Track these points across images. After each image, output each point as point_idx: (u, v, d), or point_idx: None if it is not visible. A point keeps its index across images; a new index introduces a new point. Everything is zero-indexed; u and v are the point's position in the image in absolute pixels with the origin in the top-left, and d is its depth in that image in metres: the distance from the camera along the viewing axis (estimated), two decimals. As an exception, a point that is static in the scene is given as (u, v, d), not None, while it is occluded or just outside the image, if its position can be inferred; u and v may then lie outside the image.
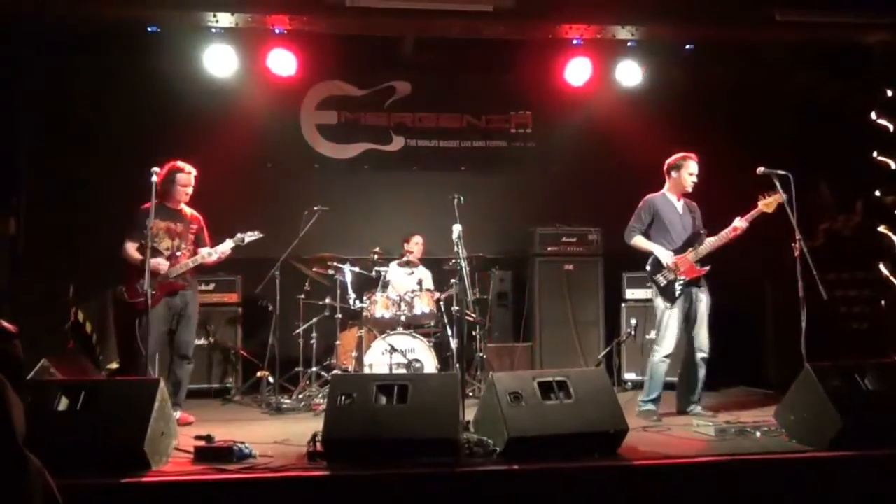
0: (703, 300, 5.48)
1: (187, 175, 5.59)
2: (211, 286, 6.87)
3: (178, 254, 5.52)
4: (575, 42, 7.12)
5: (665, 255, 5.45)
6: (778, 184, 5.10)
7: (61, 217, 6.85)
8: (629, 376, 7.16)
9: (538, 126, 8.21)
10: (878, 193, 7.11)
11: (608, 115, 7.73)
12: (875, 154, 7.10)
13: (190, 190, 5.63)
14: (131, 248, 5.43)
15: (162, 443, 3.92)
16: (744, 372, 7.07)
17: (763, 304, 7.09)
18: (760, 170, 5.20)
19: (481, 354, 6.75)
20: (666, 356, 5.41)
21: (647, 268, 5.58)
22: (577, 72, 7.37)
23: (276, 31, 6.83)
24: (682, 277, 5.40)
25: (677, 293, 5.41)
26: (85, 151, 6.98)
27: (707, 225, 5.60)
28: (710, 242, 5.44)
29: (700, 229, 5.57)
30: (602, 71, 7.39)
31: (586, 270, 7.47)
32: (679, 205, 5.64)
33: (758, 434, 4.51)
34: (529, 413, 4.01)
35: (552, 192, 7.88)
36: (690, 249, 5.46)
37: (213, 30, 6.69)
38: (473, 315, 6.68)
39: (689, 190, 5.62)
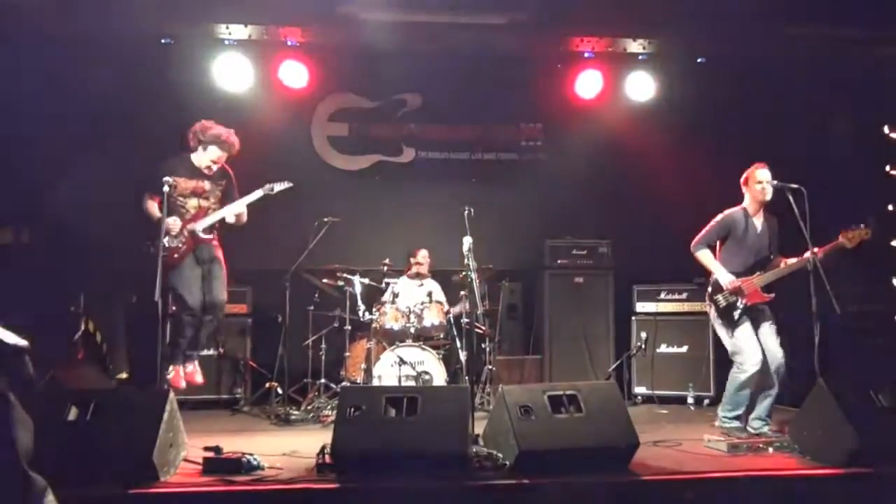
0: (766, 317, 5.22)
1: (214, 150, 5.48)
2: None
3: (210, 210, 5.49)
4: (586, 55, 7.15)
5: (725, 278, 5.19)
6: (791, 198, 5.07)
7: (72, 227, 6.88)
8: (639, 390, 7.11)
9: (549, 139, 8.20)
10: (891, 207, 7.06)
11: (619, 128, 7.72)
12: (888, 168, 7.06)
13: (214, 167, 5.52)
14: (151, 206, 5.34)
15: (170, 454, 3.91)
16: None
17: (776, 318, 7.02)
18: (774, 183, 5.17)
19: (491, 367, 6.72)
20: (751, 374, 5.05)
21: (709, 287, 5.36)
22: (589, 84, 7.40)
23: (289, 43, 6.90)
24: (744, 302, 5.15)
25: (736, 317, 5.15)
26: (97, 162, 7.01)
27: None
28: (780, 270, 5.17)
29: (772, 253, 5.31)
30: (613, 84, 7.41)
31: (597, 283, 7.44)
32: (759, 223, 5.32)
33: (770, 450, 4.46)
34: (540, 427, 3.98)
35: (563, 205, 7.86)
36: (758, 273, 5.21)
37: (226, 42, 6.75)
38: (483, 327, 6.66)
39: (765, 199, 5.26)
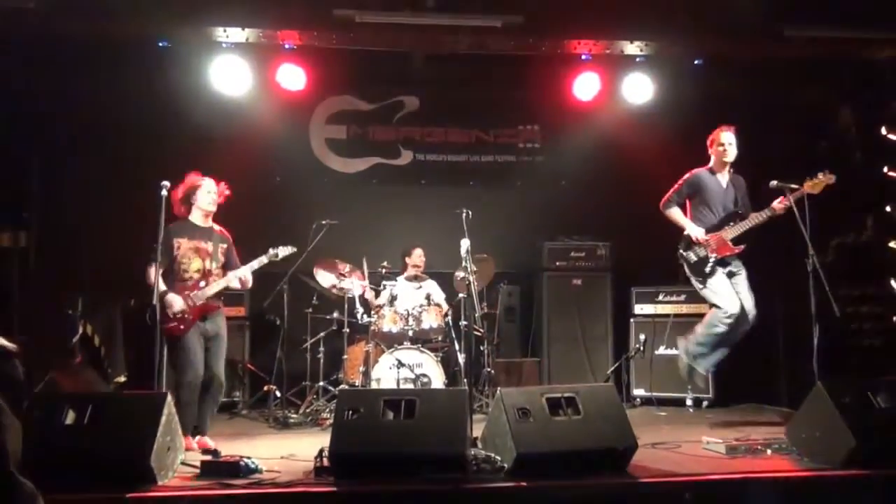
0: (740, 272, 5.45)
1: (209, 184, 5.27)
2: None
3: (212, 275, 5.19)
4: (584, 57, 7.15)
5: (695, 231, 5.45)
6: (790, 197, 5.07)
7: (70, 230, 6.88)
8: (638, 392, 7.11)
9: (547, 140, 8.22)
10: (888, 209, 7.07)
11: (617, 130, 7.73)
12: (885, 169, 7.07)
13: (215, 198, 5.28)
14: (153, 274, 4.90)
15: (168, 457, 3.90)
16: (755, 389, 7.00)
17: (774, 320, 7.03)
18: (773, 183, 5.18)
19: (489, 369, 6.72)
20: (729, 317, 5.28)
21: (680, 245, 5.56)
22: (586, 86, 7.40)
23: (286, 46, 6.89)
24: (714, 255, 5.37)
25: (708, 270, 5.36)
26: (95, 165, 7.01)
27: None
28: (747, 221, 5.41)
29: (740, 207, 5.54)
30: (611, 85, 7.41)
31: (595, 285, 7.45)
32: (723, 180, 5.63)
33: (769, 452, 4.45)
34: (538, 429, 3.97)
35: (561, 207, 7.88)
36: (727, 227, 5.45)
37: (224, 45, 6.74)
38: (481, 330, 6.66)
39: (728, 160, 5.59)
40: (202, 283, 5.14)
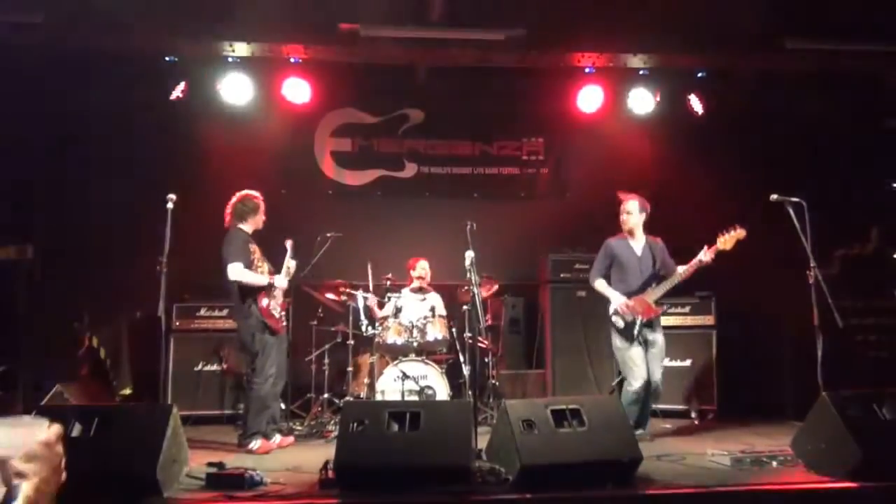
0: (658, 341, 5.64)
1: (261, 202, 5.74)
2: (224, 312, 6.88)
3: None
4: (587, 70, 7.18)
5: (618, 299, 5.64)
6: (791, 211, 5.09)
7: (77, 243, 6.92)
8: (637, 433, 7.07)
9: (551, 153, 8.24)
10: (893, 220, 7.07)
11: (620, 142, 7.75)
12: (893, 184, 7.07)
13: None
14: (245, 269, 5.39)
15: (174, 469, 3.92)
16: (760, 401, 6.99)
17: (779, 332, 7.02)
18: (773, 197, 5.19)
19: (493, 382, 6.71)
20: (639, 388, 5.48)
21: (609, 310, 5.71)
22: (589, 99, 7.43)
23: (292, 60, 6.94)
24: (640, 318, 5.55)
25: (635, 333, 5.56)
26: (101, 178, 7.05)
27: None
28: (668, 282, 5.62)
29: (659, 269, 5.71)
30: (614, 98, 7.44)
31: (599, 297, 7.41)
32: (638, 246, 5.80)
33: (774, 464, 4.45)
34: (542, 441, 3.98)
35: (564, 219, 7.88)
36: (648, 289, 5.63)
37: (230, 59, 6.80)
38: (486, 342, 6.66)
39: (626, 228, 5.80)
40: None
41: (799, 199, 5.10)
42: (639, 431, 5.42)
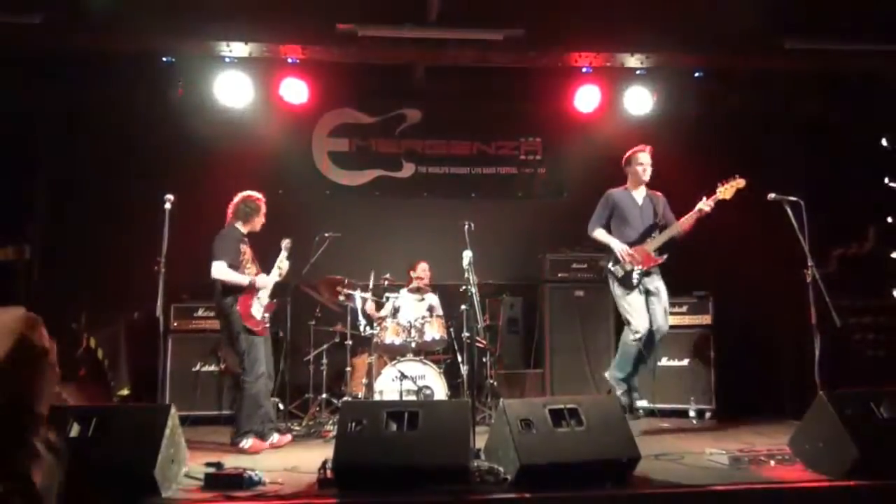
0: (660, 290, 5.71)
1: (264, 205, 5.76)
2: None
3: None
4: (584, 70, 7.19)
5: (619, 247, 5.71)
6: (789, 210, 5.09)
7: (74, 244, 6.91)
8: (641, 403, 7.07)
9: (548, 153, 8.24)
10: (890, 220, 7.08)
11: (618, 142, 7.71)
12: (886, 180, 7.09)
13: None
14: (227, 268, 5.41)
15: (172, 469, 3.91)
16: (758, 400, 7.00)
17: (777, 332, 7.04)
18: (771, 196, 5.20)
19: (492, 381, 6.71)
20: (638, 338, 5.55)
21: (607, 261, 5.80)
22: (587, 99, 7.44)
23: (289, 60, 6.94)
24: (639, 267, 5.63)
25: (635, 282, 5.64)
26: (99, 179, 7.05)
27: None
28: (668, 231, 5.71)
29: (660, 220, 5.81)
30: (611, 98, 7.45)
31: (597, 297, 7.43)
32: (639, 197, 5.93)
33: (772, 463, 4.45)
34: (540, 440, 3.98)
35: (562, 219, 7.87)
36: (648, 239, 5.72)
37: (227, 59, 6.80)
38: (484, 342, 6.66)
39: (645, 179, 5.92)
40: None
41: (797, 198, 5.11)
42: (620, 390, 5.63)
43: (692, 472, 4.38)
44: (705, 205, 5.59)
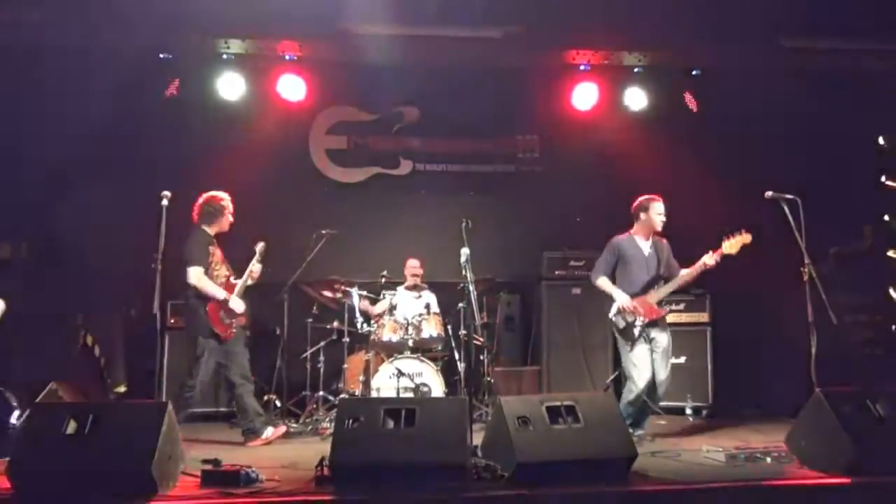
0: (662, 341, 5.55)
1: (230, 203, 5.72)
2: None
3: (230, 283, 5.65)
4: (582, 68, 7.19)
5: (622, 299, 5.52)
6: (786, 208, 5.10)
7: (71, 241, 6.90)
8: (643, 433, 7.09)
9: (546, 150, 8.24)
10: (886, 218, 7.10)
11: (615, 139, 7.76)
12: (883, 178, 7.10)
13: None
14: (205, 277, 5.45)
15: (169, 466, 3.90)
16: (754, 397, 7.02)
17: (773, 329, 7.05)
18: (768, 194, 5.20)
19: (489, 378, 6.71)
20: (642, 390, 5.41)
21: (609, 310, 5.63)
22: (585, 96, 7.44)
23: (287, 57, 6.94)
24: (641, 319, 5.47)
25: (636, 334, 5.47)
26: (96, 176, 7.03)
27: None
28: (672, 283, 5.57)
29: (663, 271, 5.65)
30: (609, 95, 7.45)
31: (594, 294, 7.35)
32: (646, 246, 5.73)
33: (768, 460, 4.46)
34: (538, 438, 3.98)
35: (560, 216, 7.89)
36: (651, 290, 5.56)
37: (225, 56, 6.79)
38: (481, 339, 6.67)
39: (659, 229, 5.71)
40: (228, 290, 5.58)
41: (794, 196, 5.11)
42: (638, 432, 5.40)
43: (689, 469, 4.39)
44: (710, 259, 5.41)
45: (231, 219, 5.72)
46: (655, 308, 5.54)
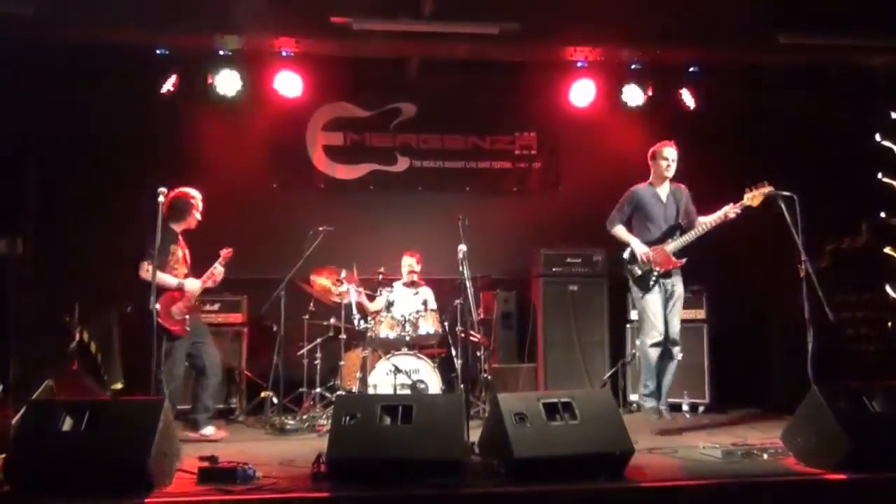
0: (677, 292, 5.55)
1: (199, 201, 5.67)
2: (216, 306, 6.86)
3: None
4: (580, 64, 7.18)
5: (639, 248, 5.53)
6: (783, 205, 5.10)
7: (67, 237, 6.88)
8: (634, 397, 7.09)
9: (543, 147, 8.23)
10: (883, 215, 7.11)
11: (613, 137, 7.75)
12: (880, 175, 7.11)
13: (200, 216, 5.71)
14: (158, 272, 5.40)
15: (166, 463, 3.90)
16: (750, 394, 7.02)
17: (769, 326, 7.06)
18: (766, 191, 5.19)
19: (486, 375, 6.72)
20: (654, 343, 5.43)
21: (624, 257, 5.65)
22: (582, 93, 7.44)
23: (283, 53, 6.93)
24: (657, 269, 5.46)
25: (651, 283, 5.48)
26: (92, 172, 7.02)
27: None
28: (690, 234, 5.52)
29: (682, 219, 5.63)
30: (607, 92, 7.45)
31: (591, 291, 7.44)
32: (664, 194, 5.72)
33: (765, 456, 4.47)
34: (534, 434, 3.98)
35: (557, 213, 7.89)
36: (669, 240, 5.54)
37: (221, 52, 6.76)
38: (478, 336, 6.67)
39: (668, 176, 5.70)
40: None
41: (790, 193, 5.11)
42: (651, 404, 5.44)
43: (685, 465, 4.39)
44: (731, 210, 5.37)
45: (199, 217, 5.66)
46: (672, 258, 5.51)
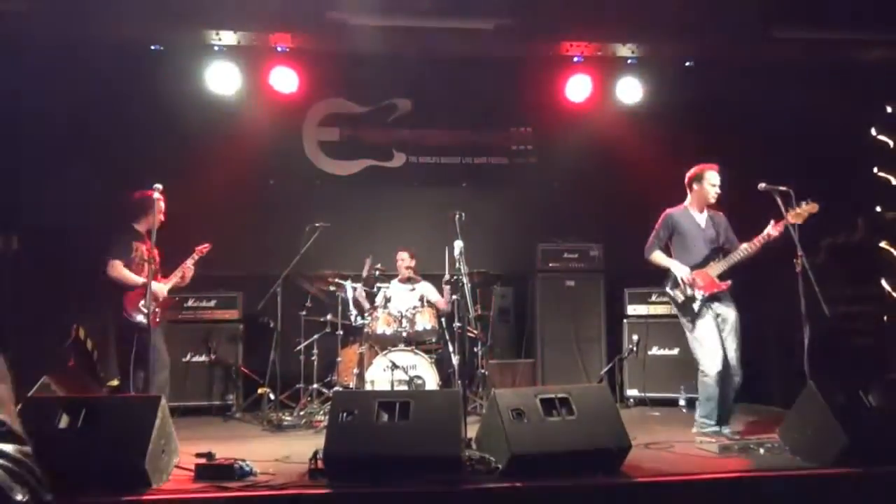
0: (729, 317, 5.25)
1: (160, 201, 5.56)
2: (212, 302, 6.86)
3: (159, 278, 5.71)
4: (575, 59, 7.18)
5: (681, 271, 5.27)
6: (779, 200, 5.10)
7: (63, 234, 6.85)
8: (631, 393, 7.13)
9: (539, 142, 8.23)
10: (878, 209, 7.11)
11: (609, 131, 7.75)
12: (875, 170, 7.11)
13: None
14: (123, 268, 5.56)
15: (163, 460, 3.90)
16: (747, 388, 7.01)
17: (766, 321, 7.07)
18: (762, 186, 5.19)
19: (483, 371, 6.72)
20: (717, 374, 5.09)
21: (666, 284, 5.41)
22: (578, 88, 7.44)
23: (279, 48, 6.91)
24: (702, 293, 5.21)
25: (696, 309, 5.21)
26: (87, 169, 6.99)
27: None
28: (733, 255, 5.26)
29: (724, 243, 5.39)
30: (603, 87, 7.45)
31: (588, 286, 7.46)
32: (701, 218, 5.46)
33: (761, 451, 4.48)
34: (532, 430, 3.99)
35: (553, 208, 7.89)
36: (712, 262, 5.30)
37: (217, 48, 6.76)
38: (475, 331, 6.67)
39: (712, 201, 5.43)
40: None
41: (787, 187, 5.11)
42: (725, 430, 5.10)
43: (682, 460, 4.41)
44: (774, 230, 5.06)
45: (162, 217, 5.55)
46: (716, 281, 5.23)
